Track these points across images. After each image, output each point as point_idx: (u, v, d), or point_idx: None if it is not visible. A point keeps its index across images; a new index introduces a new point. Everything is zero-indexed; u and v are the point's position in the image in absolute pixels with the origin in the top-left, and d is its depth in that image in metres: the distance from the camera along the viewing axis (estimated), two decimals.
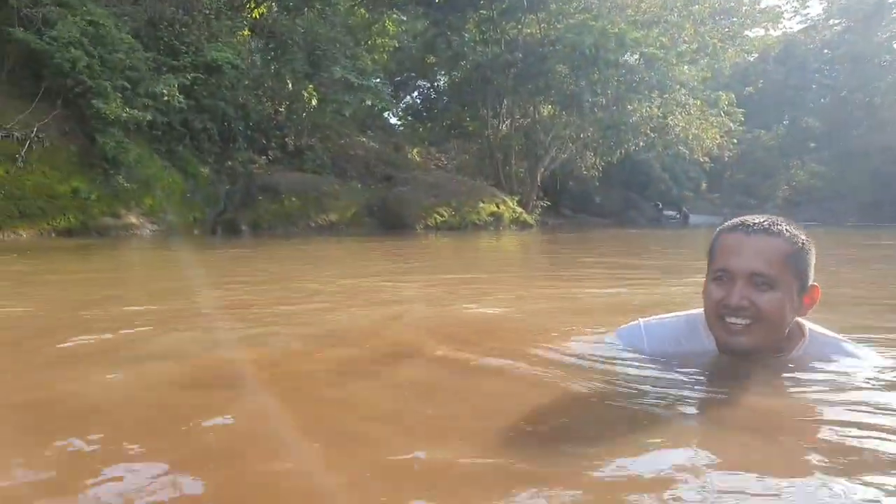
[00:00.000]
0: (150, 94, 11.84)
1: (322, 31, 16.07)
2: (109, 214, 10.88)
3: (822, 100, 35.76)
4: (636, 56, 17.31)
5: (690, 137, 17.84)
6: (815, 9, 35.33)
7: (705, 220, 27.03)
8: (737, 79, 24.43)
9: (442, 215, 14.81)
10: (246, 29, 17.12)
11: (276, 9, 17.27)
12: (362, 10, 19.18)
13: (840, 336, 1.83)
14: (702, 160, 19.75)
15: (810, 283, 1.67)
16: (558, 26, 17.15)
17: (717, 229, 1.75)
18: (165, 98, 11.84)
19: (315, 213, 13.64)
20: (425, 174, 17.04)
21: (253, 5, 17.70)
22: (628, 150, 17.90)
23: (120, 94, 11.34)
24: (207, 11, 13.87)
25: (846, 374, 1.67)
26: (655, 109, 16.92)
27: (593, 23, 15.93)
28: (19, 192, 10.09)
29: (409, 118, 26.97)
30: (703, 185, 33.63)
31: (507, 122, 21.01)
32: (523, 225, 16.27)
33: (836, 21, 35.40)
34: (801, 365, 1.70)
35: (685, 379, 1.69)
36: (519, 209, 16.62)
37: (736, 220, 1.72)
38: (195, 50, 13.41)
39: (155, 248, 9.15)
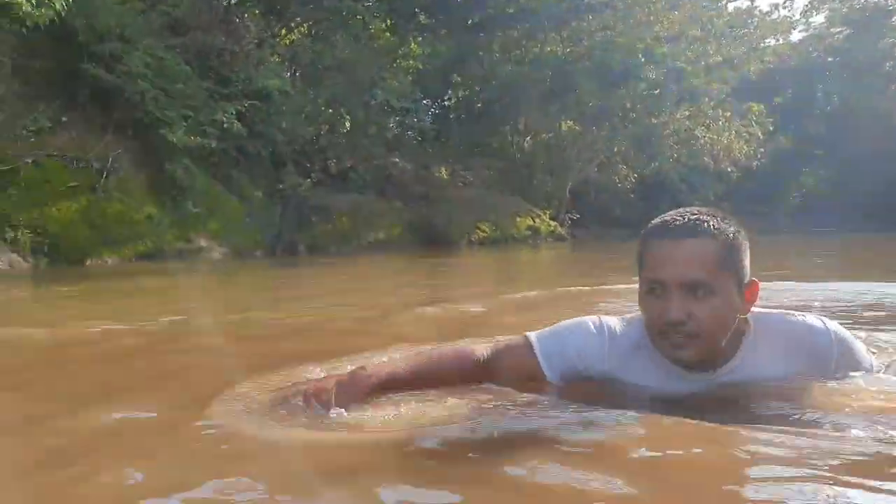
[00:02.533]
0: (210, 122, 12.36)
1: (354, 56, 16.65)
2: (182, 239, 11.31)
3: (828, 107, 36.45)
4: (662, 70, 17.85)
5: (719, 148, 18.45)
6: (818, 18, 35.85)
7: None
8: (755, 89, 25.08)
9: (484, 231, 15.29)
10: (277, 56, 17.70)
11: (308, 34, 17.87)
12: (387, 34, 19.77)
13: (784, 312, 1.69)
14: (729, 170, 20.34)
15: (748, 278, 1.55)
16: (584, 44, 17.76)
17: (643, 232, 1.60)
18: (225, 125, 12.35)
19: (365, 233, 14.10)
20: (460, 191, 17.55)
21: (285, 32, 18.30)
22: (661, 161, 18.53)
23: (184, 123, 11.85)
24: (256, 41, 14.42)
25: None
26: (686, 122, 17.54)
27: (620, 39, 16.55)
28: (101, 220, 10.53)
29: (419, 138, 27.62)
30: (711, 196, 34.27)
31: (529, 138, 21.60)
32: (559, 238, 16.75)
33: (838, 29, 36.21)
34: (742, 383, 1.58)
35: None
36: (553, 223, 17.11)
37: (659, 222, 1.56)
38: (244, 78, 13.95)
39: (239, 270, 9.57)
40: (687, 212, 1.54)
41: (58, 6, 10.34)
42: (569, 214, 19.43)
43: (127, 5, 12.93)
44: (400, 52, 20.44)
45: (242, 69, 13.94)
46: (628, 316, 1.72)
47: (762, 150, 20.36)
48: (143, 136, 11.69)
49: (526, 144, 21.43)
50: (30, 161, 10.56)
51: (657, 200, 28.27)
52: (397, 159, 18.87)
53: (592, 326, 1.69)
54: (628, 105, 17.14)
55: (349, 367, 1.70)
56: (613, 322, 1.71)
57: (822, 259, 9.24)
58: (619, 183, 20.35)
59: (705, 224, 1.50)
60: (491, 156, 23.04)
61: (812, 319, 1.63)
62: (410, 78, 20.63)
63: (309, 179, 15.69)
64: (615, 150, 18.99)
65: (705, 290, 1.47)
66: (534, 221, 16.43)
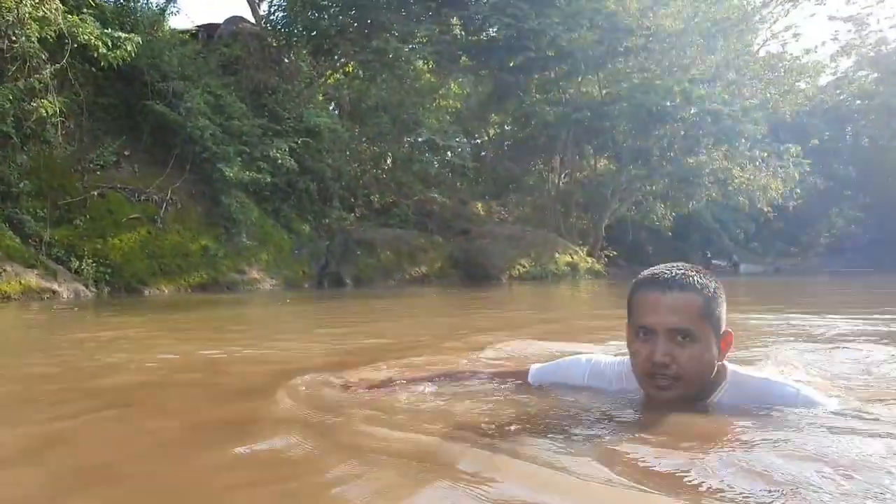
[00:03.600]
0: (264, 157, 12.76)
1: (398, 96, 17.14)
2: (235, 270, 11.59)
3: (857, 149, 36.40)
4: (694, 110, 18.08)
5: (755, 188, 18.59)
6: (845, 62, 36.13)
7: (754, 268, 27.28)
8: (791, 130, 25.18)
9: (524, 266, 15.42)
10: (323, 95, 18.25)
11: (353, 74, 18.42)
12: (428, 76, 20.31)
13: (765, 375, 1.87)
14: (766, 210, 20.43)
15: (723, 328, 1.74)
16: (624, 85, 18.10)
17: (633, 283, 1.80)
18: (279, 161, 12.74)
19: (409, 266, 14.31)
20: (500, 227, 17.76)
21: (331, 72, 18.88)
22: (699, 200, 18.70)
23: (239, 159, 12.25)
24: (307, 80, 14.93)
25: (764, 415, 1.68)
26: (725, 161, 17.72)
27: (658, 82, 16.87)
28: (159, 251, 10.86)
29: (453, 174, 28.09)
30: (741, 235, 34.09)
31: (563, 175, 21.88)
32: (597, 274, 16.82)
33: (865, 73, 36.32)
34: (718, 410, 1.73)
35: (612, 414, 1.74)
36: (590, 259, 17.22)
37: (649, 275, 1.77)
38: (296, 115, 14.42)
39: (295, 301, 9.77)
40: (673, 266, 1.75)
41: (129, 48, 10.88)
42: (604, 252, 19.52)
43: (188, 46, 13.53)
44: (440, 91, 20.95)
45: (293, 107, 14.43)
46: (621, 357, 1.95)
47: (798, 190, 20.48)
48: (199, 171, 12.10)
49: (561, 182, 21.67)
50: (95, 193, 10.97)
51: (689, 239, 28.31)
52: (437, 195, 19.19)
53: (583, 358, 2.05)
54: (665, 145, 17.36)
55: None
56: (604, 357, 2.03)
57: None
58: (658, 221, 20.47)
59: (691, 279, 1.70)
60: (525, 192, 23.33)
61: (789, 385, 1.78)
62: (450, 117, 21.13)
63: (353, 214, 16.02)
64: (652, 188, 19.17)
65: (690, 337, 1.67)
66: (572, 258, 16.54)
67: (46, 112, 10.18)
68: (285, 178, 13.54)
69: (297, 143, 13.19)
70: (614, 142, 18.33)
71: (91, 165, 11.25)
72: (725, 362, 1.80)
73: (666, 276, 1.72)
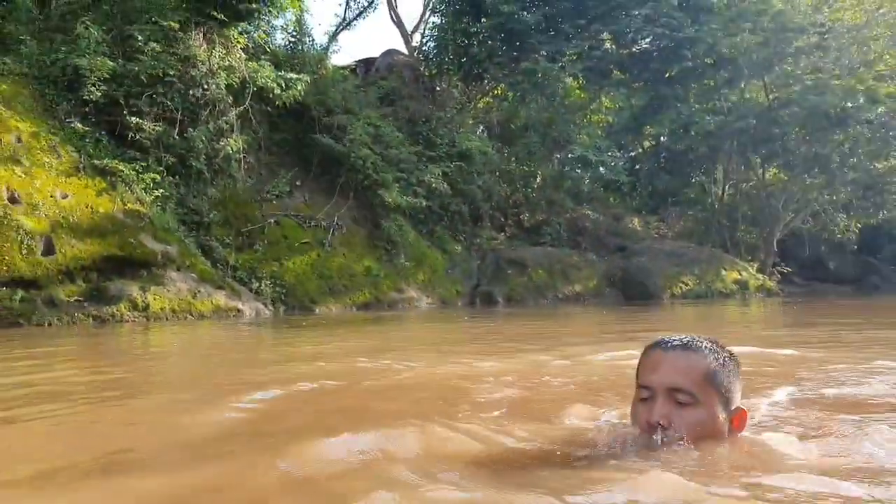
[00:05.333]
0: (419, 182, 13.34)
1: (547, 115, 17.11)
2: (394, 289, 12.18)
3: None
4: (882, 110, 16.17)
5: None
6: None
7: None
8: None
9: (686, 284, 14.61)
10: (472, 119, 18.70)
11: (503, 96, 18.71)
12: (579, 92, 20.08)
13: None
14: None
15: (736, 404, 1.62)
16: (795, 88, 16.64)
17: (643, 349, 1.73)
18: (433, 185, 13.25)
19: (561, 285, 14.13)
20: (659, 243, 17.00)
21: (480, 96, 19.36)
22: (890, 209, 16.62)
23: (398, 185, 12.91)
24: (458, 106, 15.44)
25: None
26: None
27: (836, 82, 15.30)
28: (328, 272, 11.70)
29: (605, 189, 27.22)
30: None
31: (727, 186, 20.48)
32: (769, 292, 15.49)
33: None
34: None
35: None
36: (761, 276, 15.91)
37: (657, 339, 1.71)
38: (448, 141, 14.93)
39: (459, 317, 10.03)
40: (688, 335, 1.69)
41: (299, 87, 11.96)
42: (777, 268, 17.92)
43: (349, 81, 14.57)
44: (591, 107, 20.64)
45: (446, 133, 14.96)
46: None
47: None
48: (362, 197, 12.91)
49: (725, 194, 20.31)
50: (272, 221, 12.09)
51: (880, 252, 25.16)
52: (589, 211, 18.82)
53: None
54: (847, 150, 15.63)
55: None
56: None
57: None
58: (840, 234, 18.43)
59: (698, 342, 1.63)
60: (686, 206, 22.15)
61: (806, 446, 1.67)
62: (601, 132, 20.72)
63: (503, 233, 16.20)
64: (832, 198, 17.33)
65: (690, 398, 1.55)
66: (740, 275, 15.38)
67: (232, 149, 11.47)
68: (438, 200, 14.03)
69: (449, 167, 13.64)
70: (785, 149, 16.84)
71: (268, 195, 12.44)
72: (745, 434, 1.68)
73: (673, 338, 1.67)
